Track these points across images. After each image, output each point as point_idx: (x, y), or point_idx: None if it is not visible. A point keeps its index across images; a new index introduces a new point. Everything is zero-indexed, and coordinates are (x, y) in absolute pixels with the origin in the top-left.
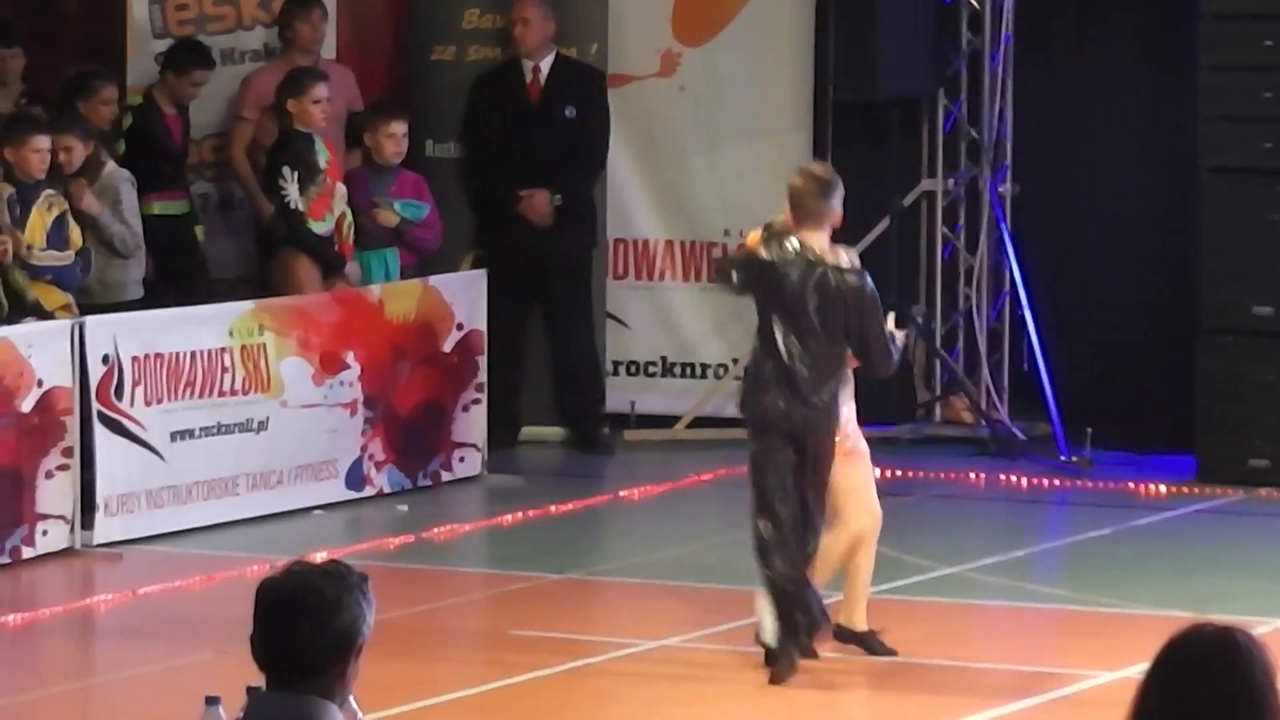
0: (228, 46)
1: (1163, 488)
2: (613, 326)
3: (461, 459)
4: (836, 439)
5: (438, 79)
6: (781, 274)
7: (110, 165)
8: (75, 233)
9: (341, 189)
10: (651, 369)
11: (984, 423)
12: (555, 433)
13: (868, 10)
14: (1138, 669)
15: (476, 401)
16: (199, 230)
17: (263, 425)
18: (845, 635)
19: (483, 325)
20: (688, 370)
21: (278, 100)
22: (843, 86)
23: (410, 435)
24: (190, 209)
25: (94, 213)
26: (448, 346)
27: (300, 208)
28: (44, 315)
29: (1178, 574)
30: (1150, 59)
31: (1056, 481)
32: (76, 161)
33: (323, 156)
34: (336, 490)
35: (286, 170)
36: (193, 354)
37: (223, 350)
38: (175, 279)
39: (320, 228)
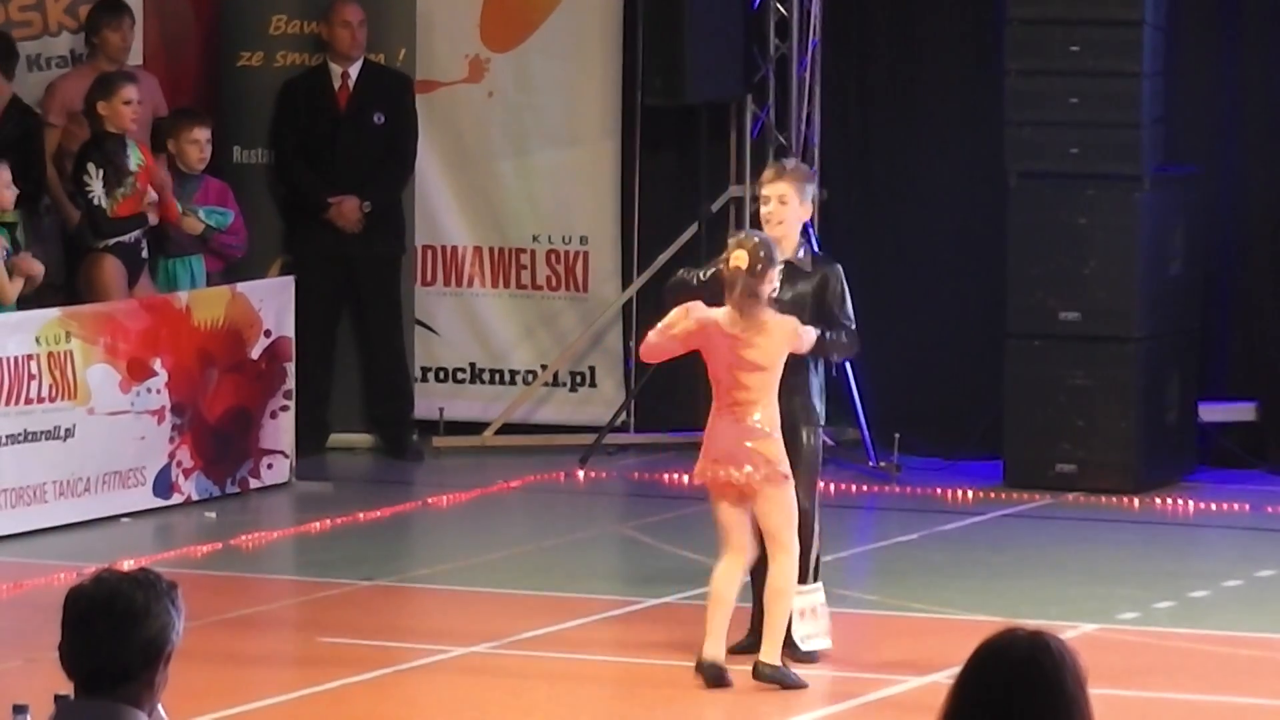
0: (34, 52)
1: (970, 493)
2: (421, 333)
3: (270, 466)
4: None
5: (245, 85)
6: None
7: None
8: None
9: (153, 195)
10: (460, 375)
11: None
12: (364, 439)
13: (676, 15)
14: (948, 674)
15: (284, 408)
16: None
17: (70, 433)
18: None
19: (291, 332)
20: (496, 377)
21: (87, 104)
22: (651, 92)
23: (218, 442)
24: None
25: None
26: (255, 353)
27: (103, 204)
28: None
29: (987, 579)
30: (960, 64)
31: (865, 487)
32: None
33: (134, 159)
34: (144, 498)
35: (91, 166)
36: None
37: (29, 357)
38: None
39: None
